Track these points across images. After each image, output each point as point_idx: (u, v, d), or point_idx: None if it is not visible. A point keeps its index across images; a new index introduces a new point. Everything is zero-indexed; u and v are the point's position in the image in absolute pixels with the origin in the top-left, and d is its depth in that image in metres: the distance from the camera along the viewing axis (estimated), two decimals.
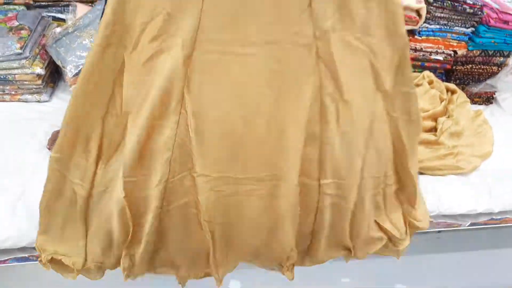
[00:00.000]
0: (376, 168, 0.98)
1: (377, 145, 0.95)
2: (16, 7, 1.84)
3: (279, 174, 0.92)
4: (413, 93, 0.95)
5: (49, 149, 1.40)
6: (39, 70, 1.57)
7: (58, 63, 1.61)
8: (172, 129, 0.87)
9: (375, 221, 1.08)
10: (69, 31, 1.64)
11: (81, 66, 1.54)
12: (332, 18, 0.82)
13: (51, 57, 1.65)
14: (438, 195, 1.35)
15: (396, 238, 1.10)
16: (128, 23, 0.86)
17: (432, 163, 1.39)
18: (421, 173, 1.41)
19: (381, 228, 1.09)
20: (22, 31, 1.61)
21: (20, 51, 1.53)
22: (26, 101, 1.62)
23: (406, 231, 1.11)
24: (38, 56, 1.61)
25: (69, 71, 1.55)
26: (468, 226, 1.46)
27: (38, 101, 1.63)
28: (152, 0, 0.83)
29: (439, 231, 1.73)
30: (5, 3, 1.83)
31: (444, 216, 1.37)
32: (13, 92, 1.61)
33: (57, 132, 1.43)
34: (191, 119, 0.87)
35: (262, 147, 0.90)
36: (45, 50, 1.65)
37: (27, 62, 1.54)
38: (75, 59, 1.55)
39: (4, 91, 1.60)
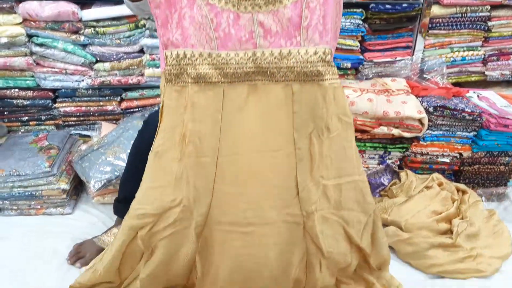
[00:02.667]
0: None
1: None
2: (47, 127, 2.01)
3: None
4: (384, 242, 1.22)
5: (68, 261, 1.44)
6: (64, 185, 1.66)
7: (83, 178, 1.70)
8: None
9: None
10: (94, 148, 1.76)
11: (104, 181, 1.64)
12: (315, 203, 1.10)
13: (76, 172, 1.75)
14: None
15: None
16: None
17: (452, 266, 1.37)
18: (441, 277, 1.40)
19: None
20: (51, 150, 1.74)
21: (48, 169, 1.63)
22: (50, 214, 1.69)
23: None
24: (65, 172, 1.71)
25: (92, 186, 1.63)
26: None
27: (62, 214, 1.69)
28: None
29: None
30: (36, 124, 2.01)
31: None
32: (38, 207, 1.68)
33: (78, 245, 1.48)
34: None
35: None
36: (71, 166, 1.76)
37: (54, 178, 1.64)
38: (98, 175, 1.65)
39: (30, 206, 1.67)
